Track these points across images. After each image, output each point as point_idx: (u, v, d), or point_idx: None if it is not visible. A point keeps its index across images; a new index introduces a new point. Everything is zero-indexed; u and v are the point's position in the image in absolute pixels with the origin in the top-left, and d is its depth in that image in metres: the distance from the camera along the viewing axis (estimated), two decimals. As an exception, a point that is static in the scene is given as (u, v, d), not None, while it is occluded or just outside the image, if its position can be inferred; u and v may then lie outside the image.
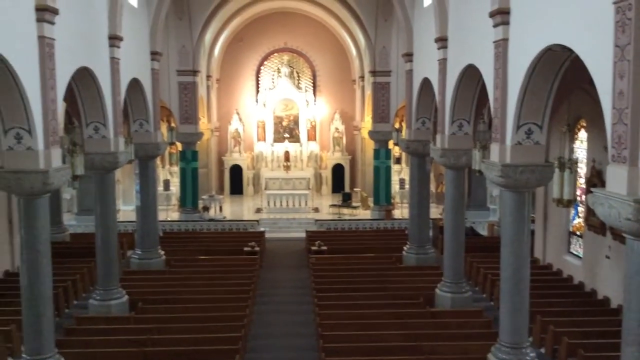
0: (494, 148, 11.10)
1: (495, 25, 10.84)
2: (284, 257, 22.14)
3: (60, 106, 11.15)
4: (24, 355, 10.88)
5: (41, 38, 10.18)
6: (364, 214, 27.74)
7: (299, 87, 32.87)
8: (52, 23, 10.40)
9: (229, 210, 28.80)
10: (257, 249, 20.79)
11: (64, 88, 11.39)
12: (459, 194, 15.43)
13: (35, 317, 10.63)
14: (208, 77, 29.91)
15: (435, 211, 23.98)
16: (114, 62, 14.46)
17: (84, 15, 12.68)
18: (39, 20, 10.09)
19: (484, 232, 24.48)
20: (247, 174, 32.55)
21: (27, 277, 10.59)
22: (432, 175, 25.39)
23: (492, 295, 16.02)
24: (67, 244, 21.00)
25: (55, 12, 10.37)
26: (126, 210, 26.64)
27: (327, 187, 32.71)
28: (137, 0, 17.46)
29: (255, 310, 15.79)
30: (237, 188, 32.51)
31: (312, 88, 33.42)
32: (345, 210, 28.08)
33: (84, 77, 12.98)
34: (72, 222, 25.15)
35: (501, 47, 10.70)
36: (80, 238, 22.16)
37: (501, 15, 10.59)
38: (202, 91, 27.93)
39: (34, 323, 10.65)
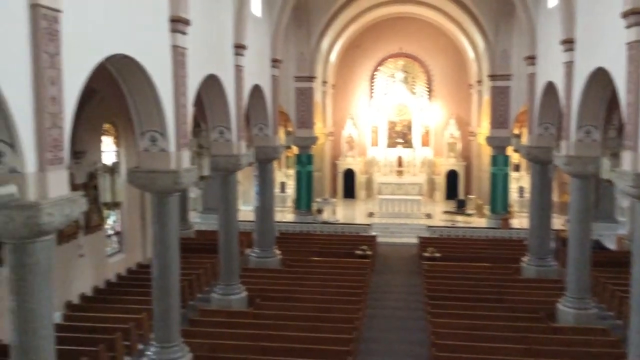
0: (626, 156, 10.37)
1: (628, 26, 10.14)
2: (395, 262, 22.06)
3: (190, 111, 11.90)
4: (153, 342, 11.75)
5: (174, 47, 10.98)
6: (478, 222, 26.93)
7: (413, 92, 32.62)
8: (185, 33, 11.17)
9: (341, 213, 29.16)
10: (368, 252, 20.90)
11: (193, 94, 12.18)
12: (585, 204, 14.57)
13: (164, 307, 11.45)
14: (324, 82, 30.52)
15: (557, 222, 22.78)
16: (238, 69, 15.22)
17: (212, 25, 13.48)
18: (173, 30, 10.90)
19: (611, 245, 22.86)
20: (360, 178, 32.78)
21: (158, 269, 11.43)
22: (554, 184, 24.12)
23: (621, 313, 14.94)
24: (192, 240, 22.31)
25: (187, 22, 11.14)
26: (245, 210, 27.81)
27: (440, 194, 32.14)
28: (261, 10, 18.25)
29: (366, 313, 15.89)
30: (350, 192, 32.84)
31: (426, 93, 33.03)
32: (459, 218, 27.44)
33: (211, 84, 13.77)
34: (197, 220, 26.76)
35: (635, 49, 9.99)
36: (204, 235, 23.47)
37: (635, 16, 9.89)
38: (318, 96, 28.57)
39: (163, 312, 11.47)
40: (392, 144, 32.33)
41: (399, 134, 32.49)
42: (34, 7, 6.62)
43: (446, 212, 28.06)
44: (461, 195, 30.94)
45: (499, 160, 25.74)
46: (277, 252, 20.14)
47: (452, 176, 32.25)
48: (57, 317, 13.37)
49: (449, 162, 32.30)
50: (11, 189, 6.57)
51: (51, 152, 7.00)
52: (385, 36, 32.71)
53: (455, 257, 20.39)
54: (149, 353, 11.67)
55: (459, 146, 32.24)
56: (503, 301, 15.66)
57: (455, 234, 25.33)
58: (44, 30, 6.73)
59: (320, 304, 15.20)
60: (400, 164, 31.93)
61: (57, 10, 6.97)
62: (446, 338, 12.78)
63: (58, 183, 7.18)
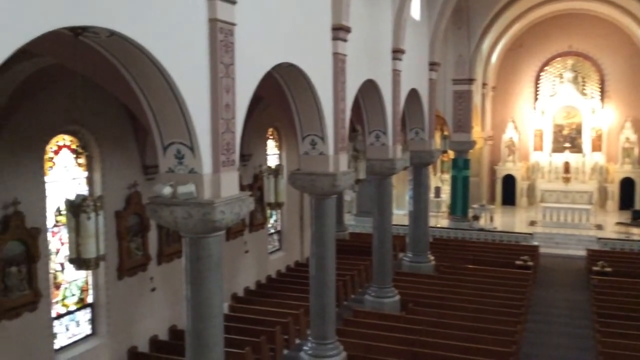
0: None
1: None
2: (559, 275, 20.64)
3: (348, 116, 12.20)
4: (309, 338, 12.22)
5: (335, 54, 11.33)
6: (658, 235, 24.28)
7: (583, 93, 30.31)
8: (345, 40, 11.49)
9: (499, 221, 27.96)
10: (530, 263, 19.79)
11: (352, 99, 12.47)
12: None
13: (321, 304, 11.84)
14: (484, 85, 29.53)
15: None
16: (396, 73, 15.28)
17: (370, 31, 13.69)
18: (334, 38, 11.26)
19: None
20: (520, 185, 31.18)
21: (315, 268, 11.86)
22: None
23: None
24: (346, 242, 22.80)
25: (348, 30, 11.44)
26: (398, 215, 27.80)
27: (613, 203, 29.47)
28: (420, 14, 18.15)
29: (526, 327, 15.06)
30: (509, 199, 31.36)
31: (599, 94, 30.49)
32: (634, 230, 24.94)
33: (368, 89, 13.98)
34: (351, 222, 27.32)
35: None
36: (358, 237, 23.89)
37: None
38: (476, 99, 27.71)
39: (319, 310, 11.87)
40: (558, 149, 30.34)
41: (566, 138, 30.39)
42: (212, 22, 7.24)
43: (619, 224, 25.66)
44: (637, 206, 28.08)
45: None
46: (431, 257, 19.87)
47: (627, 184, 29.39)
48: (225, 307, 14.43)
49: (623, 169, 29.50)
50: (190, 187, 7.25)
51: (224, 155, 7.60)
52: (552, 34, 30.79)
53: (629, 273, 18.58)
54: (305, 348, 12.15)
55: (636, 151, 29.31)
56: (687, 326, 13.94)
57: (629, 248, 23.05)
58: (220, 42, 7.34)
59: (476, 314, 14.71)
60: (567, 170, 29.86)
61: (232, 24, 7.56)
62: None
63: (229, 183, 7.72)
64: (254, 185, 17.15)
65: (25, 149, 10.17)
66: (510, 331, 13.36)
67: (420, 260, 19.57)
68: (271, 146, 19.20)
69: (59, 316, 11.30)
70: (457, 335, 13.12)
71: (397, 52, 15.21)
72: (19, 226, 9.94)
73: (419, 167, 19.31)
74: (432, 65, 19.25)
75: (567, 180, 29.61)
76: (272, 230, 19.42)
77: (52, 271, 10.97)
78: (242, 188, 8.73)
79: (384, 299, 15.74)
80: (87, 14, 5.47)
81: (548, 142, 30.51)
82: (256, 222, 17.54)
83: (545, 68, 31.65)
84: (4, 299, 9.77)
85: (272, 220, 19.34)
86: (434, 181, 30.03)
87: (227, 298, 15.57)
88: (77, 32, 5.77)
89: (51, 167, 11.01)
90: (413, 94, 17.63)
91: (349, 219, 27.62)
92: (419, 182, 19.48)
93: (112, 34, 5.90)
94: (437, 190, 29.36)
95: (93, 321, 12.07)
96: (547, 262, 22.03)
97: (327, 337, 11.90)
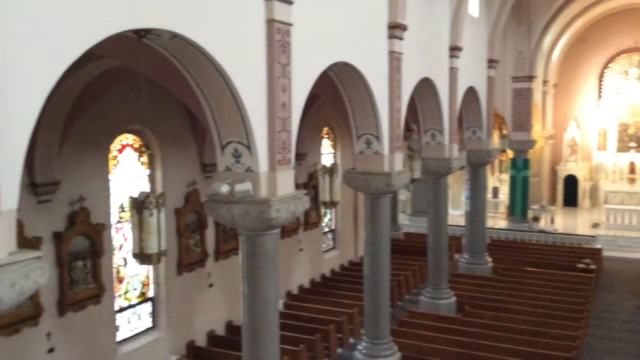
0: None
1: None
2: (624, 280, 19.83)
3: (403, 114, 12.11)
4: (363, 338, 12.20)
5: (391, 53, 11.27)
6: None
7: (651, 90, 29.00)
8: (401, 38, 11.41)
9: (560, 222, 27.09)
10: (592, 267, 19.10)
11: (407, 98, 12.37)
12: None
13: (375, 304, 11.81)
14: (544, 82, 28.68)
15: None
16: (453, 71, 15.05)
17: (427, 28, 13.52)
18: (390, 36, 11.20)
19: None
20: (583, 185, 30.10)
21: (369, 267, 11.83)
22: None
23: None
24: (401, 242, 22.61)
25: (404, 28, 11.35)
26: (453, 215, 27.32)
27: (683, 205, 28.08)
28: (478, 10, 17.81)
29: (587, 332, 14.54)
30: (571, 200, 30.33)
31: (668, 90, 29.10)
32: None
33: (424, 87, 13.82)
34: (406, 222, 27.08)
35: None
36: (412, 237, 23.67)
37: None
38: (537, 97, 26.93)
39: (374, 310, 11.84)
40: (622, 148, 29.12)
41: (631, 137, 29.13)
42: (270, 22, 7.34)
43: (690, 227, 24.41)
44: None
45: None
46: (488, 259, 19.46)
47: (698, 186, 27.96)
48: (280, 304, 14.59)
49: (695, 170, 28.07)
50: (247, 186, 7.38)
51: (280, 154, 7.69)
52: (617, 30, 29.58)
53: (701, 279, 17.67)
54: (360, 347, 12.14)
55: None
56: None
57: (701, 253, 21.93)
58: (277, 42, 7.43)
59: (535, 318, 14.31)
60: (632, 170, 28.62)
61: (289, 24, 7.64)
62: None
63: (285, 182, 7.80)
64: (308, 184, 17.26)
65: (91, 147, 10.59)
66: (570, 336, 12.94)
67: (477, 261, 19.20)
68: (326, 145, 19.27)
69: (121, 309, 11.72)
70: (515, 339, 12.81)
71: (454, 50, 14.97)
72: (85, 222, 10.37)
73: (476, 166, 18.95)
74: (491, 63, 18.84)
75: (632, 181, 28.39)
76: (326, 229, 19.49)
77: (115, 266, 11.38)
78: (297, 187, 8.80)
79: (440, 300, 15.53)
80: (151, 16, 5.65)
81: (612, 141, 29.33)
82: (310, 220, 17.65)
83: (610, 65, 30.46)
84: (70, 292, 10.21)
85: (326, 219, 19.41)
86: (491, 181, 29.39)
87: (281, 295, 15.74)
88: (141, 34, 5.97)
89: (115, 165, 11.43)
90: (470, 92, 17.31)
91: (403, 219, 27.39)
92: (476, 182, 19.13)
93: (174, 36, 6.07)
94: (495, 191, 28.72)
95: (153, 315, 12.46)
96: (610, 266, 21.21)
97: (381, 337, 11.86)
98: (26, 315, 9.43)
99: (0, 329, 9.01)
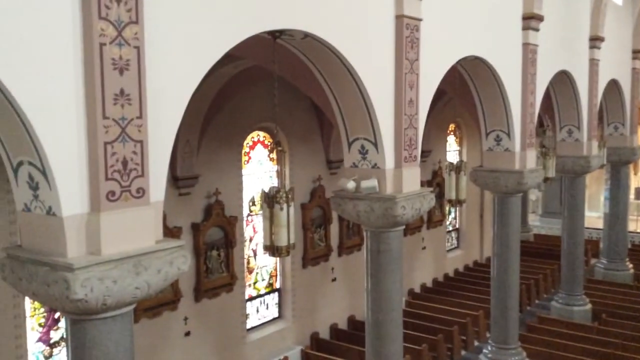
0: None
1: None
2: None
3: (537, 110, 11.52)
4: (490, 341, 11.79)
5: (525, 45, 10.74)
6: None
7: None
8: (537, 30, 10.84)
9: None
10: None
11: (542, 92, 11.74)
12: None
13: (502, 308, 11.36)
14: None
15: None
16: (593, 63, 14.05)
17: (565, 18, 12.73)
18: (525, 28, 10.67)
19: None
20: None
21: (497, 269, 11.40)
22: None
23: None
24: (530, 244, 21.53)
25: (540, 19, 10.77)
26: (590, 217, 25.54)
27: None
28: (622, -2, 16.49)
29: None
30: None
31: None
32: None
33: (560, 80, 13.04)
34: (536, 223, 25.75)
35: None
36: (543, 239, 22.48)
37: None
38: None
39: (501, 313, 11.40)
40: None
41: None
42: (399, 18, 7.30)
43: None
44: None
45: None
46: (629, 265, 18.00)
47: None
48: (402, 302, 14.53)
49: None
50: (373, 182, 7.41)
51: (406, 151, 7.64)
52: None
53: None
54: (485, 351, 11.75)
55: None
56: None
57: None
58: (406, 38, 7.37)
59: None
60: None
61: (418, 19, 7.54)
62: None
63: (411, 179, 7.72)
64: (432, 181, 16.99)
65: (225, 144, 11.20)
66: None
67: (617, 267, 17.83)
68: (451, 142, 18.83)
69: (251, 298, 12.29)
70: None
71: (595, 40, 13.95)
72: (219, 214, 11.00)
73: (618, 165, 17.61)
74: (636, 54, 17.34)
75: None
76: (450, 228, 19.06)
77: (245, 257, 11.96)
78: (421, 184, 8.69)
79: (574, 306, 14.60)
80: (285, 18, 5.86)
81: None
82: (434, 219, 17.35)
83: None
84: (206, 280, 10.89)
85: (450, 218, 18.98)
86: (634, 181, 27.07)
87: (404, 293, 15.64)
88: (276, 35, 6.21)
89: (247, 161, 12.00)
90: (612, 85, 16.06)
91: (533, 219, 26.06)
92: (617, 181, 17.79)
93: (306, 35, 6.24)
94: (638, 192, 26.43)
95: (280, 305, 12.93)
96: None
97: (508, 341, 11.39)
98: (167, 299, 10.19)
99: (144, 312, 9.82)
